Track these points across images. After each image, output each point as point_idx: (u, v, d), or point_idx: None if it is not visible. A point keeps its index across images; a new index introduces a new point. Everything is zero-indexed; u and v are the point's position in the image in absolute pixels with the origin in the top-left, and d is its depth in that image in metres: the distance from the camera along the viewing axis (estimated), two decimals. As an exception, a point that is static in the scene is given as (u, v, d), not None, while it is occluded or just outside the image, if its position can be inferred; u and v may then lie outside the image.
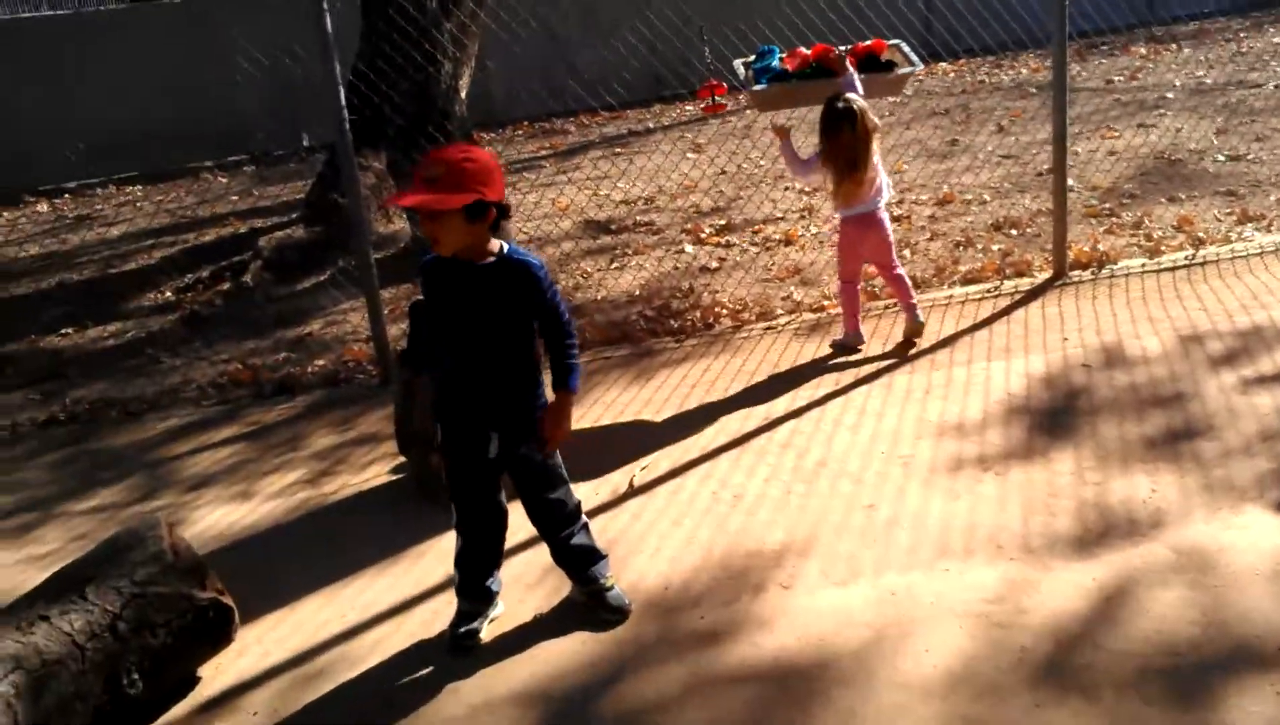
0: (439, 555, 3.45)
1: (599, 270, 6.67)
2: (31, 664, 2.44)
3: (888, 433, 3.95)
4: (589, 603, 3.00)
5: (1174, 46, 12.29)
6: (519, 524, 3.09)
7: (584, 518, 3.06)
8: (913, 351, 4.72)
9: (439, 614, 3.09)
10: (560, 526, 2.99)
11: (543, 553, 3.14)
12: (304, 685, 2.85)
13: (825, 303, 5.50)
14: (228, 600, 2.87)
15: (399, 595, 3.24)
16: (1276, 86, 9.44)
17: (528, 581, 3.23)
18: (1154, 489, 3.32)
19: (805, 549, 3.22)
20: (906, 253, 6.22)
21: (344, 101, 4.87)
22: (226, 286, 7.67)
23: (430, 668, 2.86)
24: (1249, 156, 7.37)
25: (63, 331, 6.97)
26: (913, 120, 9.85)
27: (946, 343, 4.80)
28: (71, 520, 4.10)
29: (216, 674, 2.94)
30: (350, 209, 4.91)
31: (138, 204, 11.46)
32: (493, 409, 2.85)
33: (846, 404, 4.26)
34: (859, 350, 4.79)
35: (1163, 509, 3.21)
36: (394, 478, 4.12)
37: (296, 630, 3.12)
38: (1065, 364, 4.39)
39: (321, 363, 5.60)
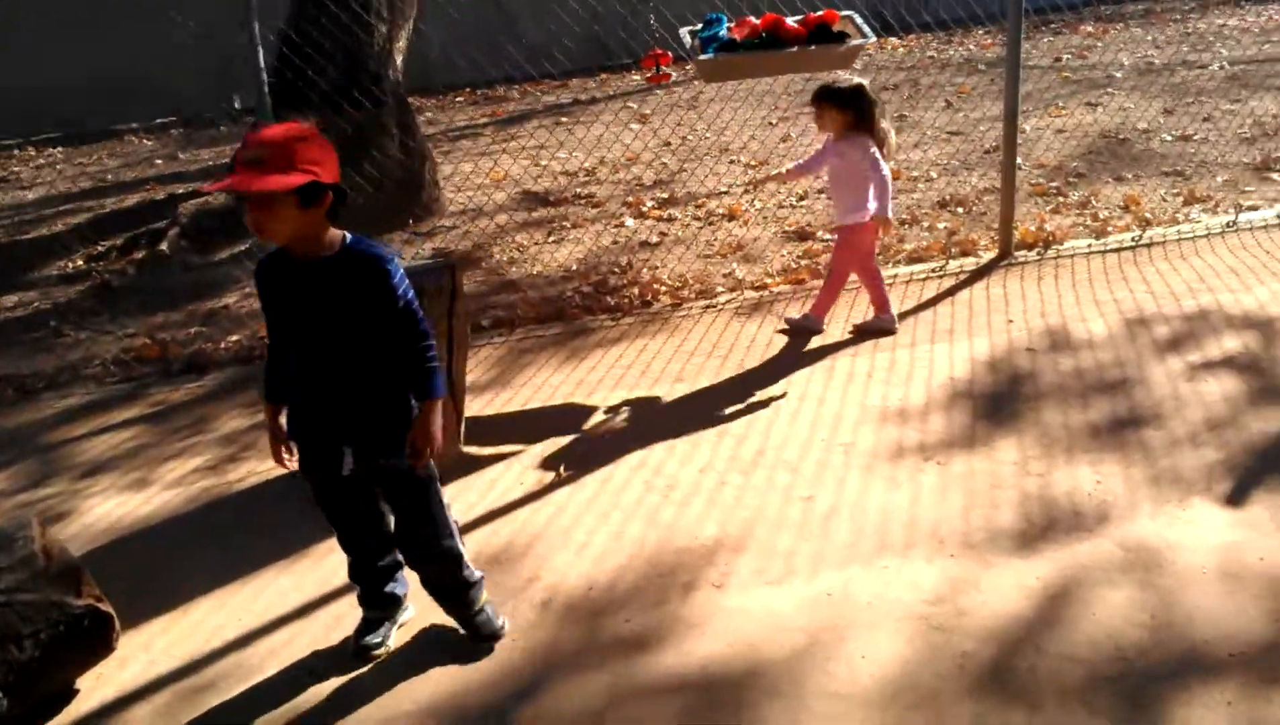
0: (336, 563, 3.20)
1: (535, 244, 6.41)
2: None
3: (828, 418, 3.78)
4: (456, 628, 2.74)
5: (1122, 26, 12.26)
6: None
7: (461, 549, 2.70)
8: (853, 329, 4.56)
9: (342, 619, 2.86)
10: (427, 561, 2.67)
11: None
12: (191, 699, 2.61)
13: (768, 281, 5.32)
14: (106, 607, 2.61)
15: (300, 598, 3.00)
16: (1222, 67, 9.42)
17: (442, 580, 3.01)
18: (1099, 481, 3.19)
19: (739, 544, 3.04)
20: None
21: (264, 63, 4.56)
22: (142, 255, 7.28)
23: (330, 680, 2.64)
24: (1196, 136, 7.31)
25: (-39, 302, 6.55)
26: (860, 94, 9.66)
27: (890, 324, 4.65)
28: (-50, 510, 3.79)
29: (97, 685, 2.69)
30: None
31: (57, 166, 10.93)
32: (344, 422, 2.51)
33: (786, 388, 4.09)
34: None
35: (1108, 502, 3.08)
36: (306, 464, 3.85)
37: (187, 636, 2.87)
38: (1009, 347, 4.26)
39: (236, 338, 5.30)
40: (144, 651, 2.81)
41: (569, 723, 2.41)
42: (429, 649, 2.72)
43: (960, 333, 4.46)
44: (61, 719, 2.57)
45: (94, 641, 2.60)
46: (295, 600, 2.99)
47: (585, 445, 3.78)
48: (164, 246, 7.22)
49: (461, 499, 3.47)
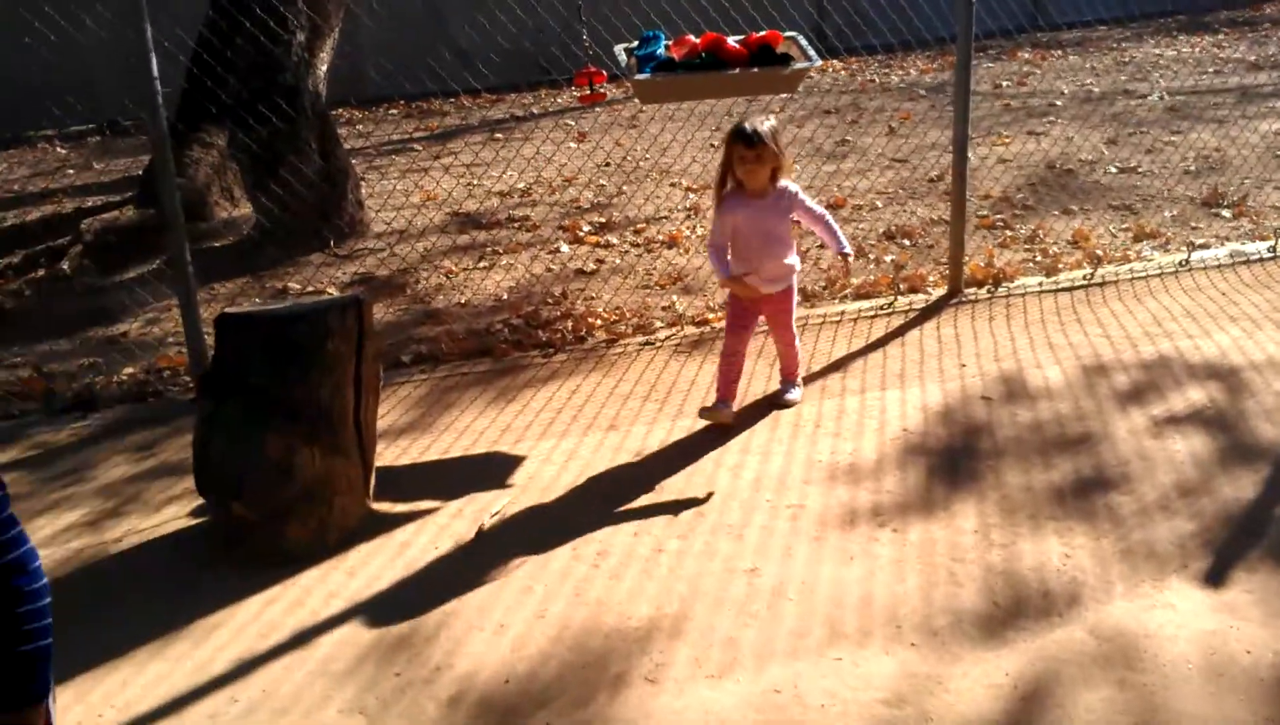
0: (234, 630, 2.83)
1: (465, 269, 6.05)
2: None
3: (774, 476, 3.48)
4: None
5: (1060, 53, 12.27)
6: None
7: None
8: (803, 375, 4.28)
9: (216, 719, 2.48)
10: None
11: (358, 638, 2.55)
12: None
13: (709, 316, 5.03)
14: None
15: (169, 690, 2.60)
16: (1161, 98, 9.40)
17: (353, 677, 2.64)
18: (1067, 555, 2.94)
19: (676, 627, 2.72)
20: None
21: (156, 72, 4.15)
22: (41, 274, 6.77)
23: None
24: (1140, 169, 7.20)
25: None
26: (805, 118, 9.49)
27: (838, 366, 4.38)
28: None
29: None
30: (161, 194, 4.20)
31: (-39, 173, 10.30)
32: None
33: (728, 438, 3.79)
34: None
35: (1079, 580, 2.82)
36: (194, 521, 3.46)
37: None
38: (964, 396, 4.01)
39: (131, 371, 4.85)
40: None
41: None
42: (317, 758, 2.35)
43: (912, 377, 4.21)
44: None
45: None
46: (164, 693, 2.59)
47: (509, 503, 3.44)
48: (65, 265, 6.71)
49: (368, 567, 3.11)
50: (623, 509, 3.35)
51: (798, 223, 4.07)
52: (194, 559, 3.21)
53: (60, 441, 4.20)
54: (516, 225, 6.91)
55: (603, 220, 6.79)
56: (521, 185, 7.86)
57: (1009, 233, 6.09)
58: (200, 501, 3.48)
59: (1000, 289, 5.18)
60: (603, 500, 3.41)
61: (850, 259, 4.00)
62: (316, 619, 2.87)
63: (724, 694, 2.45)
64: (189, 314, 4.25)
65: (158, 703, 2.56)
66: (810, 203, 3.91)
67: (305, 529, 3.18)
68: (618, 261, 6.00)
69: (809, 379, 4.25)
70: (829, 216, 3.98)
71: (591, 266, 5.92)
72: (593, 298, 5.38)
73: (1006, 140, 8.28)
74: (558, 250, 6.31)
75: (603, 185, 7.67)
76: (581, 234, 6.55)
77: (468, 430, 4.04)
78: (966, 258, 5.28)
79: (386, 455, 3.81)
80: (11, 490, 3.71)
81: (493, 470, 3.68)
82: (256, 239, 6.60)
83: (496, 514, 3.37)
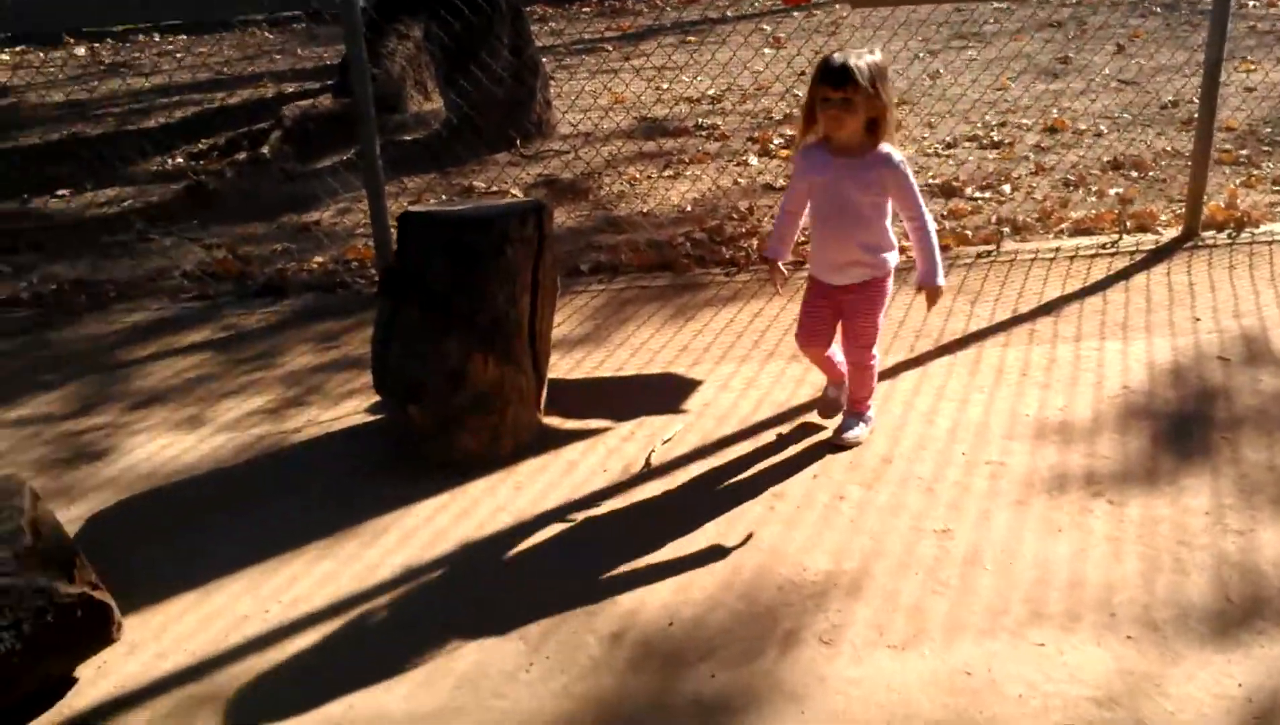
0: (401, 535, 2.79)
1: (649, 177, 5.85)
2: None
3: (972, 426, 3.18)
4: None
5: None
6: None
7: None
8: (1009, 316, 3.91)
9: (365, 633, 2.44)
10: None
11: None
12: (196, 709, 2.23)
13: (904, 243, 4.66)
14: (102, 596, 2.24)
15: (335, 592, 2.59)
16: None
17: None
18: (1320, 551, 2.54)
19: (855, 586, 2.51)
20: (1006, 188, 5.33)
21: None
22: (241, 156, 6.97)
23: (344, 702, 2.22)
24: None
25: (59, 193, 6.35)
26: (1020, 30, 8.73)
27: (1049, 309, 3.98)
28: (-10, 434, 3.51)
29: (97, 677, 2.34)
30: (354, 85, 4.14)
31: (178, 55, 10.77)
32: None
33: (922, 379, 3.49)
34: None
35: (1333, 582, 2.43)
36: (370, 418, 3.45)
37: (206, 625, 2.49)
38: (1197, 353, 3.56)
39: (320, 260, 4.91)
40: (155, 640, 2.45)
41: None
42: (471, 686, 2.27)
43: (1136, 328, 3.77)
44: (50, 716, 2.22)
45: (88, 635, 2.24)
46: (330, 594, 2.58)
47: (683, 430, 3.27)
48: (264, 150, 6.88)
49: (535, 483, 3.02)
50: (801, 448, 3.13)
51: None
52: (368, 457, 3.20)
53: (250, 325, 4.29)
54: (705, 134, 6.64)
55: (794, 133, 6.43)
56: (712, 92, 7.55)
57: (1254, 171, 5.41)
58: (378, 398, 3.47)
59: (1243, 234, 4.59)
60: (779, 436, 3.20)
61: (938, 293, 2.93)
62: (482, 533, 2.80)
63: (907, 668, 2.23)
64: (376, 208, 4.22)
65: (323, 603, 2.55)
66: (911, 186, 2.86)
67: (477, 438, 3.11)
68: (810, 178, 5.67)
69: (1014, 321, 3.88)
70: (929, 221, 2.91)
71: (781, 182, 5.60)
72: (781, 216, 5.09)
73: (1251, 66, 7.38)
74: (746, 162, 6.02)
75: (797, 95, 7.27)
76: (772, 147, 6.23)
77: (643, 348, 3.88)
78: (1207, 197, 4.70)
79: (559, 367, 3.70)
80: (203, 371, 3.82)
81: (667, 392, 3.52)
82: (445, 135, 6.58)
83: (669, 441, 3.21)
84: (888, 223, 2.95)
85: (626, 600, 2.49)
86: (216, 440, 3.37)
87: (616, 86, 7.51)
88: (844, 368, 3.18)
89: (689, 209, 5.32)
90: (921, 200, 2.90)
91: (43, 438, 3.44)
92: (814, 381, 3.47)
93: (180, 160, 6.91)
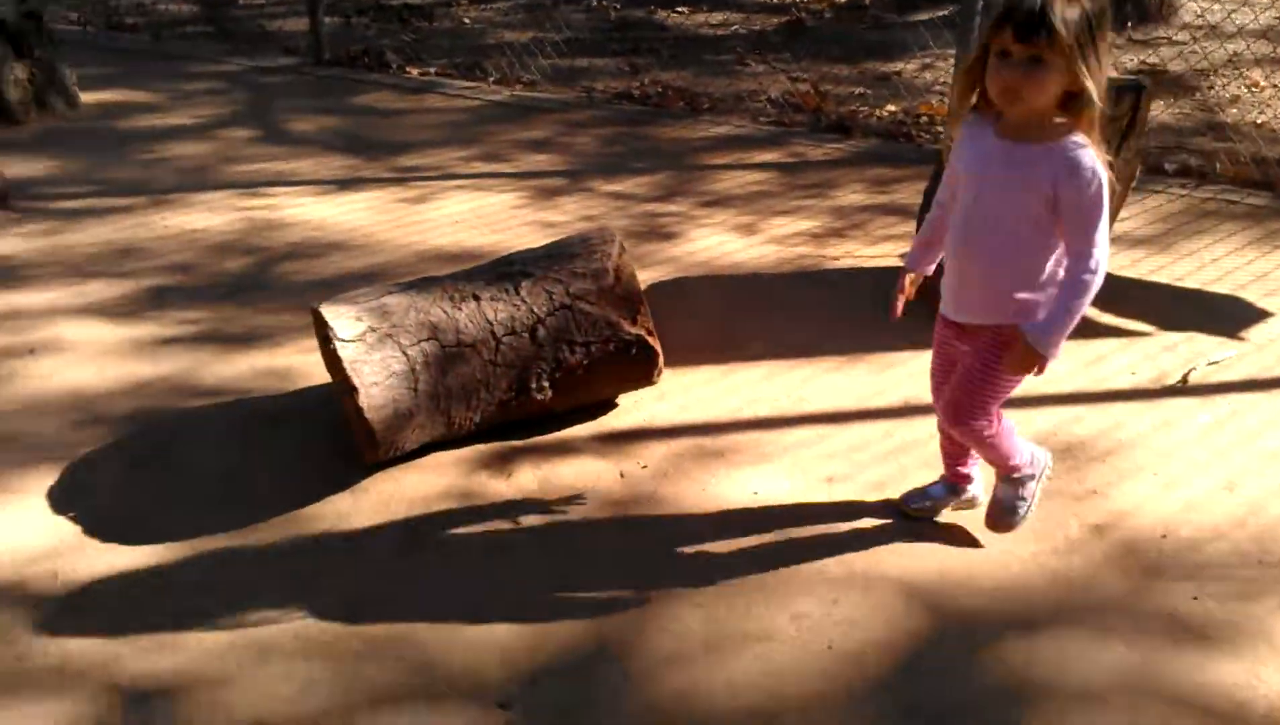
0: (909, 374, 2.90)
1: (1273, 86, 5.11)
2: (448, 339, 2.40)
3: None
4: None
5: None
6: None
7: None
8: None
9: (866, 444, 2.60)
10: None
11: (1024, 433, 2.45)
12: (701, 458, 2.57)
13: None
14: (654, 342, 2.61)
15: (836, 402, 2.78)
16: None
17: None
18: None
19: (1402, 572, 2.18)
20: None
21: None
22: (843, 0, 7.19)
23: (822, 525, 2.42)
24: None
25: (679, 9, 7.03)
26: None
27: None
28: (591, 198, 4.13)
29: (633, 407, 2.77)
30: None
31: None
32: None
33: None
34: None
35: None
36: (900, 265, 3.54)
37: (725, 397, 2.82)
38: None
39: (893, 109, 5.01)
40: (683, 393, 2.83)
41: (1053, 698, 1.95)
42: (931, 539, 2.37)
43: None
44: (589, 427, 2.69)
45: (636, 371, 2.65)
46: (830, 403, 2.78)
47: (1235, 357, 2.97)
48: (866, -2, 7.04)
49: (1051, 365, 2.94)
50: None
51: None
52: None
53: (814, 156, 4.54)
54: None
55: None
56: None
57: None
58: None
59: None
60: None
61: (1035, 362, 1.97)
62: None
63: None
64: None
65: (825, 409, 2.76)
66: (1099, 208, 1.87)
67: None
68: None
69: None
70: (1096, 269, 1.89)
71: None
72: None
73: None
74: None
75: None
76: None
77: (1212, 264, 3.53)
78: None
79: (1116, 261, 3.49)
80: (765, 188, 4.15)
81: (1225, 315, 3.20)
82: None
83: (1215, 363, 2.94)
84: (1053, 255, 1.97)
85: (1121, 499, 2.40)
86: (764, 249, 3.68)
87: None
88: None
89: (1317, 128, 4.60)
90: (1104, 239, 1.89)
91: (628, 211, 4.00)
92: None
93: (786, -5, 7.28)
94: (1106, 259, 1.90)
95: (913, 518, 2.35)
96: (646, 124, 4.98)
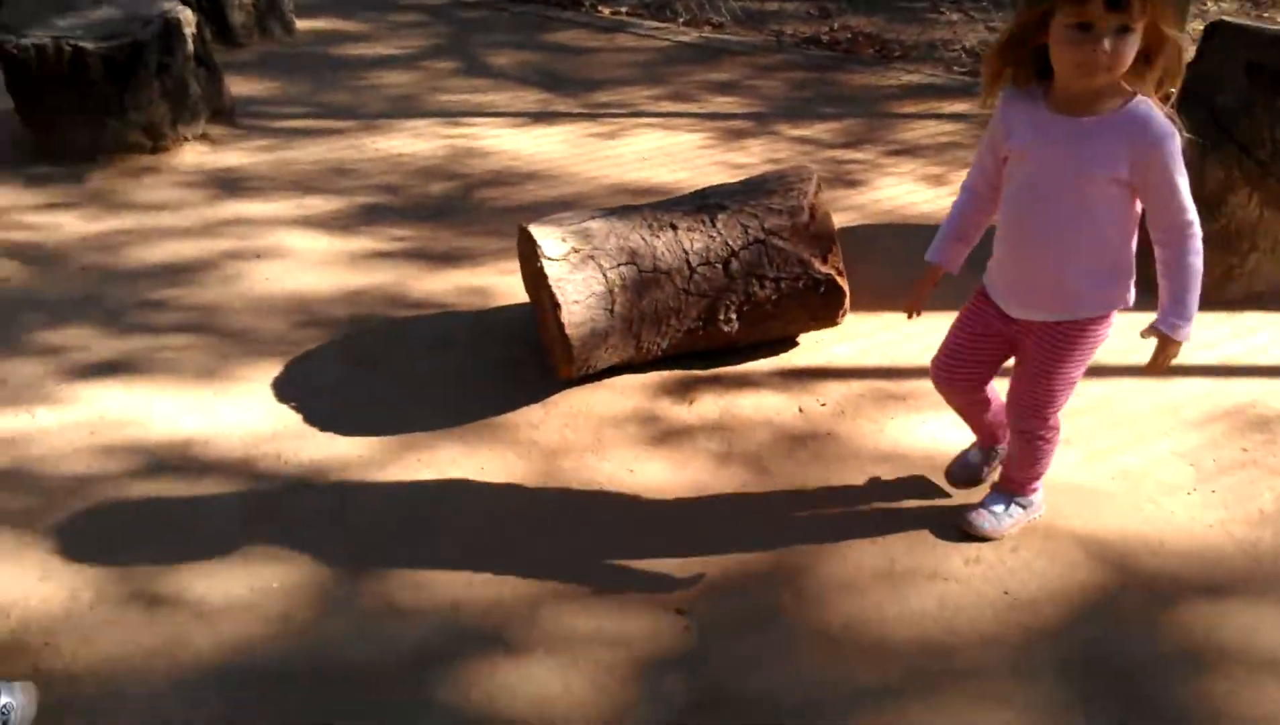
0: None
1: None
2: (645, 265, 2.50)
3: None
4: None
5: None
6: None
7: None
8: None
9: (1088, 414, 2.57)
10: None
11: (1215, 401, 2.38)
12: (880, 401, 2.61)
13: None
14: (843, 282, 2.65)
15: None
16: None
17: (1201, 430, 2.53)
18: None
19: None
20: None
21: None
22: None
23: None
24: None
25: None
26: None
27: None
28: (777, 142, 4.15)
29: (815, 347, 2.82)
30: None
31: None
32: None
33: None
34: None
35: None
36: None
37: (905, 342, 2.83)
38: None
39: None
40: (865, 337, 2.86)
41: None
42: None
43: None
44: (773, 362, 2.76)
45: (823, 310, 2.69)
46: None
47: None
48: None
49: (1255, 336, 2.84)
50: None
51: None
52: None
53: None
54: None
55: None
56: None
57: None
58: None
59: None
60: None
61: (1175, 350, 1.85)
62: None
63: None
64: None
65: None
66: (1181, 173, 1.74)
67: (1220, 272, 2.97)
68: None
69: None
70: (1195, 238, 1.79)
71: None
72: None
73: None
74: None
75: None
76: None
77: None
78: None
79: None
80: (954, 139, 4.07)
81: None
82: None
83: None
84: (1128, 234, 1.84)
85: (1321, 476, 2.32)
86: (949, 201, 3.63)
87: None
88: (1002, 425, 2.22)
89: None
90: (1191, 202, 1.77)
91: (813, 157, 4.01)
92: None
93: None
94: (1195, 215, 1.78)
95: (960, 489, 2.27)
96: (835, 69, 4.94)
